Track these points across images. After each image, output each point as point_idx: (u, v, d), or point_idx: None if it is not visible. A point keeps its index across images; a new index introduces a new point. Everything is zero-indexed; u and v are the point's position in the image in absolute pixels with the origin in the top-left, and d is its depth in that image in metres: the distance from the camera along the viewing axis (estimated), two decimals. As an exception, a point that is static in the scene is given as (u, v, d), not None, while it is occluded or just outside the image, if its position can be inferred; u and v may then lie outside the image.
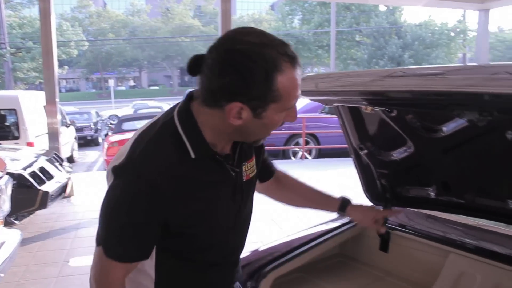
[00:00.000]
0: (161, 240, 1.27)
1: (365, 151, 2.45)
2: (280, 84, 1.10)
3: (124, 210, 1.19)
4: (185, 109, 1.23)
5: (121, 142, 11.43)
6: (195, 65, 1.16)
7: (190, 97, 1.25)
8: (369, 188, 2.67)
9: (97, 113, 21.43)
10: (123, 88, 58.33)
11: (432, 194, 2.36)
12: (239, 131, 1.21)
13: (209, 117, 1.20)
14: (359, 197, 2.66)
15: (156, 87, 57.03)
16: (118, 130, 12.33)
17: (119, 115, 17.95)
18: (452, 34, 36.24)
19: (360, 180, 2.69)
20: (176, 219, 1.24)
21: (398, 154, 2.33)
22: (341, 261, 2.83)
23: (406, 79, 1.66)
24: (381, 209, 2.07)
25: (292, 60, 1.13)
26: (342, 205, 1.87)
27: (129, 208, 1.18)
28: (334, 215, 2.84)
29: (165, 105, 27.57)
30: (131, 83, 62.26)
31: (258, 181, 1.57)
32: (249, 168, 1.40)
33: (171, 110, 1.27)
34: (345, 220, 2.79)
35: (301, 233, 2.64)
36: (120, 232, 1.22)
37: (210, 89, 1.14)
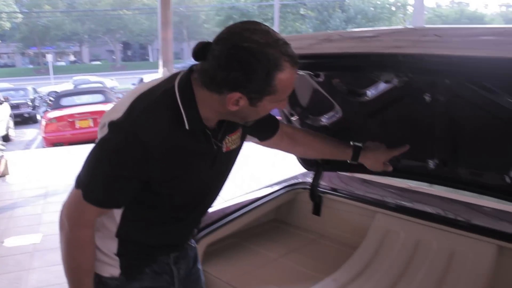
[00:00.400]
0: (137, 193, 1.37)
1: (296, 117, 2.48)
2: (278, 81, 1.22)
3: (112, 163, 1.28)
4: (186, 83, 1.31)
5: (59, 119, 11.05)
6: (202, 52, 1.24)
7: (191, 70, 1.33)
8: (301, 154, 2.71)
9: (34, 89, 20.40)
10: (63, 63, 55.75)
11: (360, 157, 2.43)
12: (233, 114, 1.32)
13: (206, 98, 1.29)
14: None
15: (98, 62, 54.95)
16: (57, 106, 11.87)
17: (59, 91, 17.23)
18: (393, 8, 37.12)
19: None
20: (158, 180, 1.35)
21: (327, 119, 2.37)
22: (276, 226, 2.89)
23: (342, 42, 1.69)
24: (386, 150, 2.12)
25: (292, 59, 1.23)
26: (355, 155, 2.01)
27: (118, 162, 1.28)
28: (270, 181, 2.93)
29: (107, 80, 26.78)
30: (72, 58, 59.69)
31: (261, 140, 1.81)
32: (230, 141, 1.50)
33: (173, 78, 1.34)
34: (279, 186, 2.84)
35: (235, 200, 2.66)
36: (103, 182, 1.32)
37: (214, 78, 1.23)
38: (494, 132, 1.89)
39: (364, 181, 2.82)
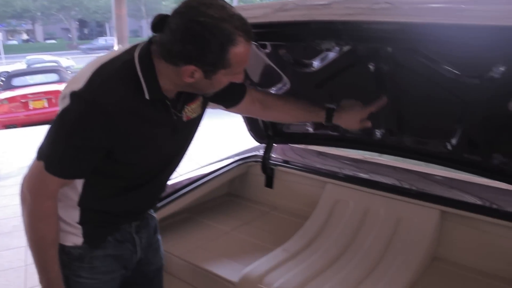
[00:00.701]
0: (99, 163, 1.39)
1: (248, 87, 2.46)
2: (232, 55, 1.26)
3: (74, 133, 1.30)
4: (145, 54, 1.34)
5: (11, 100, 10.63)
6: (160, 24, 1.27)
7: (150, 42, 1.35)
8: (252, 127, 2.71)
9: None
10: (14, 42, 53.41)
11: (310, 129, 2.45)
12: (189, 86, 1.36)
13: (164, 69, 1.33)
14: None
15: (53, 41, 52.93)
16: (8, 86, 11.37)
17: (10, 71, 16.55)
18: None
19: (244, 120, 2.72)
20: (120, 149, 1.37)
21: (276, 91, 2.37)
22: (229, 200, 2.90)
23: (296, 11, 1.66)
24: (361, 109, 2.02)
25: (246, 34, 1.27)
26: (328, 117, 1.95)
27: (80, 132, 1.29)
28: (225, 154, 2.92)
29: (63, 59, 25.91)
30: (24, 36, 57.38)
31: (227, 108, 1.84)
32: (190, 110, 1.53)
33: (132, 49, 1.36)
34: (232, 159, 2.84)
35: (188, 175, 2.64)
36: (65, 152, 1.33)
37: (170, 50, 1.27)
38: (436, 101, 1.93)
39: (319, 153, 2.84)
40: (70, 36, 52.12)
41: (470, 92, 1.73)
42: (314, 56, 2.04)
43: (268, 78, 2.36)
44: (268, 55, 2.17)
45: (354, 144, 2.35)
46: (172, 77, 1.34)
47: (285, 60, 2.14)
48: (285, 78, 2.26)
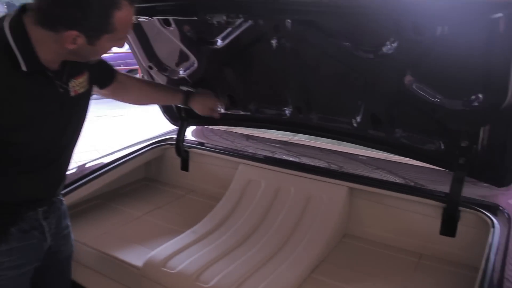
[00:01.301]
0: None
1: (155, 70, 2.38)
2: (116, 19, 1.22)
3: None
4: (17, 23, 1.24)
5: None
6: None
7: (23, 10, 1.26)
8: (166, 109, 2.63)
9: None
10: None
11: (222, 109, 2.41)
12: (72, 53, 1.29)
13: (43, 37, 1.23)
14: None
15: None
16: None
17: None
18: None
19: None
20: (3, 127, 1.28)
21: (184, 71, 2.30)
22: (145, 184, 2.81)
23: None
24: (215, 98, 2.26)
25: None
26: (185, 98, 2.11)
27: None
28: (142, 137, 2.83)
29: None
30: None
31: (101, 88, 1.77)
32: (77, 84, 1.45)
33: (0, 20, 1.26)
34: (146, 143, 2.75)
35: (100, 160, 2.53)
36: None
37: (50, 15, 1.19)
38: (339, 78, 1.94)
39: (226, 132, 2.83)
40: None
41: (368, 67, 1.75)
42: (218, 33, 1.99)
43: (175, 58, 2.29)
44: (173, 33, 2.10)
45: (265, 123, 2.33)
46: (52, 46, 1.26)
47: (191, 38, 2.08)
48: (192, 57, 2.20)
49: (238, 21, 1.51)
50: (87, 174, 2.36)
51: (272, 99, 2.21)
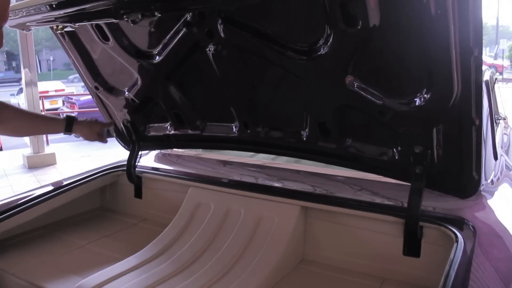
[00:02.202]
0: None
1: (101, 90, 2.28)
2: None
3: None
4: None
5: None
6: None
7: None
8: (118, 132, 2.52)
9: None
10: None
11: (171, 130, 2.29)
12: None
13: None
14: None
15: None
16: None
17: None
18: None
19: (108, 124, 2.53)
20: None
21: (129, 90, 2.20)
22: (100, 214, 2.65)
23: None
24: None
25: None
26: (68, 124, 2.01)
27: None
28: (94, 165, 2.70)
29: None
30: None
31: None
32: None
33: None
34: (98, 169, 2.61)
35: (40, 190, 2.38)
36: None
37: None
38: (282, 86, 1.83)
39: (178, 156, 2.70)
40: (-3, 69, 49.97)
41: (306, 70, 1.64)
42: (155, 45, 1.90)
43: (120, 76, 2.20)
44: (113, 48, 2.01)
45: (215, 142, 2.20)
46: None
47: (130, 52, 1.99)
48: (135, 74, 2.10)
49: (155, 18, 1.41)
50: (24, 201, 2.21)
51: (218, 115, 2.10)
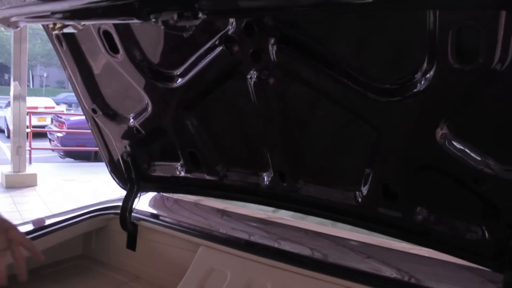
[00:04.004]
0: None
1: (99, 114, 1.83)
2: None
3: None
4: None
5: None
6: None
7: None
8: (114, 167, 2.06)
9: None
10: None
11: (182, 172, 1.84)
12: None
13: None
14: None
15: (-31, 84, 49.85)
16: None
17: None
18: None
19: (103, 156, 2.07)
20: None
21: (136, 118, 1.76)
22: (82, 264, 2.15)
23: None
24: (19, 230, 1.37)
25: None
26: None
27: None
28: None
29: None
30: None
31: None
32: None
33: None
34: (86, 210, 2.14)
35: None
36: None
37: None
38: (341, 131, 1.40)
39: (186, 202, 2.22)
40: (-12, 80, 49.37)
41: (382, 115, 1.22)
42: (178, 64, 1.47)
43: (125, 99, 1.76)
44: (122, 64, 1.57)
45: (237, 193, 1.74)
46: None
47: (143, 70, 1.56)
48: (145, 98, 1.66)
49: (196, 22, 0.98)
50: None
51: (247, 160, 1.66)
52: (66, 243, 2.08)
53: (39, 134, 12.04)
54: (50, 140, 11.69)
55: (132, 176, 1.97)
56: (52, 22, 1.27)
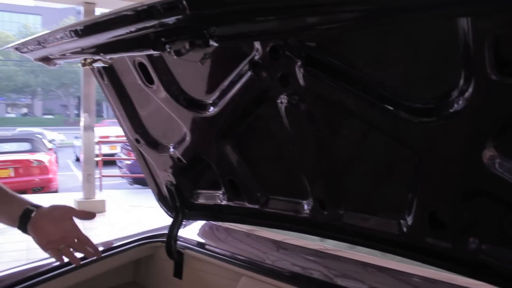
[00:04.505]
0: None
1: (142, 144, 1.85)
2: None
3: None
4: None
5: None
6: None
7: None
8: (160, 195, 2.07)
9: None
10: (13, 115, 53.92)
11: (224, 200, 1.81)
12: None
13: None
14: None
15: (51, 116, 53.38)
16: (-23, 153, 10.84)
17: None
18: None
19: (149, 185, 2.09)
20: None
21: (176, 147, 1.76)
22: (131, 292, 2.18)
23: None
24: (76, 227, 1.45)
25: None
26: (23, 220, 1.30)
27: None
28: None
29: (54, 134, 25.84)
30: (23, 110, 58.00)
31: None
32: None
33: None
34: (135, 237, 2.16)
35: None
36: None
37: None
38: (380, 156, 1.31)
39: (233, 231, 2.16)
40: (68, 112, 52.69)
41: (421, 138, 1.13)
42: (208, 92, 1.45)
43: (165, 128, 1.77)
44: (157, 93, 1.59)
45: (278, 221, 1.68)
46: None
47: (178, 100, 1.56)
48: (183, 128, 1.66)
49: (209, 49, 0.95)
50: (45, 270, 1.77)
51: (286, 188, 1.60)
52: (117, 270, 2.11)
53: (111, 161, 12.63)
54: (119, 167, 12.20)
55: (177, 204, 1.96)
56: (82, 58, 1.30)
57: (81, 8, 7.32)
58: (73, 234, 1.40)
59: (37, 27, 51.30)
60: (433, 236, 1.31)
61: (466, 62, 0.96)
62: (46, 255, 1.50)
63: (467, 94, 0.99)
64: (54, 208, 1.36)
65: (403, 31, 1.04)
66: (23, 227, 1.31)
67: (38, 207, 1.34)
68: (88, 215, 1.40)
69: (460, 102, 1.01)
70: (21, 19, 55.42)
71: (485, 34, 0.89)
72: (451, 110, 1.03)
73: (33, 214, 1.30)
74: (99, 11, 7.26)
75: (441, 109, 1.04)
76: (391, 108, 1.13)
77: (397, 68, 1.10)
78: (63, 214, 1.38)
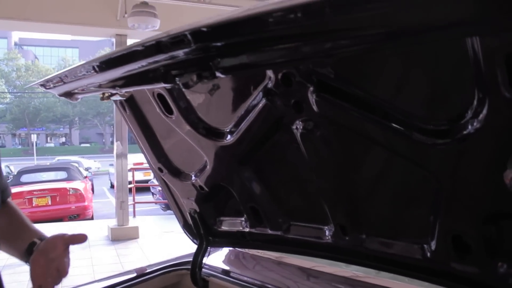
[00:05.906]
0: None
1: (165, 173, 1.88)
2: None
3: None
4: None
5: (17, 195, 10.30)
6: None
7: None
8: (185, 222, 2.09)
9: (8, 167, 19.93)
10: (52, 145, 55.75)
11: (246, 227, 1.80)
12: None
13: None
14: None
15: (88, 145, 54.91)
16: (16, 182, 11.18)
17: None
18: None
19: (174, 212, 2.11)
20: None
21: (197, 175, 1.77)
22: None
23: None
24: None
25: None
26: (28, 252, 1.28)
27: None
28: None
29: (90, 162, 26.50)
30: (62, 139, 59.86)
31: None
32: None
33: None
34: (162, 265, 2.17)
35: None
36: None
37: None
38: (399, 180, 1.29)
39: (259, 258, 2.13)
40: (104, 140, 53.99)
41: (439, 160, 1.10)
42: (225, 121, 1.47)
43: (186, 157, 1.79)
44: (177, 123, 1.61)
45: (300, 248, 1.66)
46: None
47: (197, 129, 1.58)
48: (203, 156, 1.68)
49: (215, 81, 0.96)
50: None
51: (306, 213, 1.59)
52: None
53: (145, 188, 12.80)
54: (152, 193, 12.35)
55: (200, 232, 1.97)
56: (100, 92, 1.34)
57: (113, 40, 7.56)
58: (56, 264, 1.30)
59: (75, 60, 53.20)
60: (458, 260, 1.27)
61: (478, 82, 0.94)
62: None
63: (482, 114, 0.97)
64: (47, 241, 1.31)
65: (414, 52, 1.03)
66: (26, 258, 1.29)
67: (43, 239, 1.31)
68: (79, 239, 1.35)
69: (475, 122, 0.98)
70: (60, 53, 57.69)
71: (496, 52, 0.88)
72: (466, 131, 1.00)
73: (35, 248, 1.28)
74: (130, 41, 7.46)
75: (454, 131, 1.02)
76: (405, 130, 1.11)
77: (409, 89, 1.08)
78: (54, 244, 1.30)
